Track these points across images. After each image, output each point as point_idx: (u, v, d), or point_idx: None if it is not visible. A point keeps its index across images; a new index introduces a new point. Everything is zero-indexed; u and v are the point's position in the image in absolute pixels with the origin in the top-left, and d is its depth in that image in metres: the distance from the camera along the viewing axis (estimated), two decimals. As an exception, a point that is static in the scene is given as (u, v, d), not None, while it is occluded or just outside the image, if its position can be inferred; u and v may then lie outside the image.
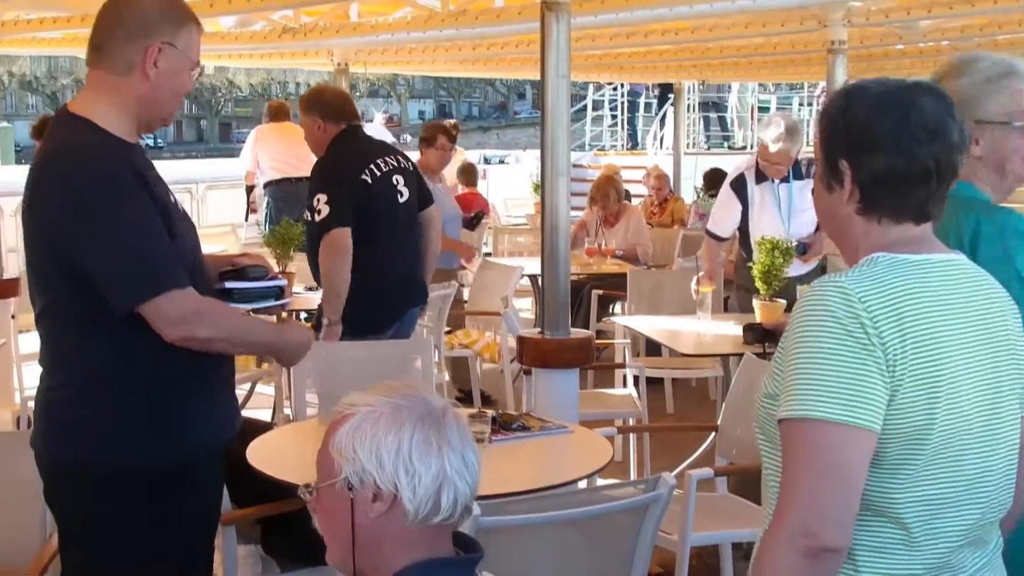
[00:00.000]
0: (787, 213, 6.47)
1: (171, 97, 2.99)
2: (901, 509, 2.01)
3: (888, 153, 2.06)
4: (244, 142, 11.67)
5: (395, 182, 5.54)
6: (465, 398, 7.65)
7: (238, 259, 3.36)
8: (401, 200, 5.55)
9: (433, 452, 1.98)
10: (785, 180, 6.49)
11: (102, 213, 2.79)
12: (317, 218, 5.34)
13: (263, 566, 4.16)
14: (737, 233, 6.79)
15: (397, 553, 2.01)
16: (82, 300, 2.84)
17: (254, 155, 10.84)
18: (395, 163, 5.59)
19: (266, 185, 10.77)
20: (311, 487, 2.07)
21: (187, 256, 2.98)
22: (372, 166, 5.47)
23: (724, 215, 6.76)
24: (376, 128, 14.91)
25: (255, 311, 3.27)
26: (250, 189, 11.22)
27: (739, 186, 6.60)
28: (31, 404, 6.37)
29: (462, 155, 14.64)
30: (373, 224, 5.40)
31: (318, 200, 5.35)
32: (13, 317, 7.57)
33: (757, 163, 6.55)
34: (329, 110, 5.57)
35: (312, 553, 4.08)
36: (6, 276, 7.71)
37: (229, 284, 3.20)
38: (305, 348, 3.26)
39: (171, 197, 3.04)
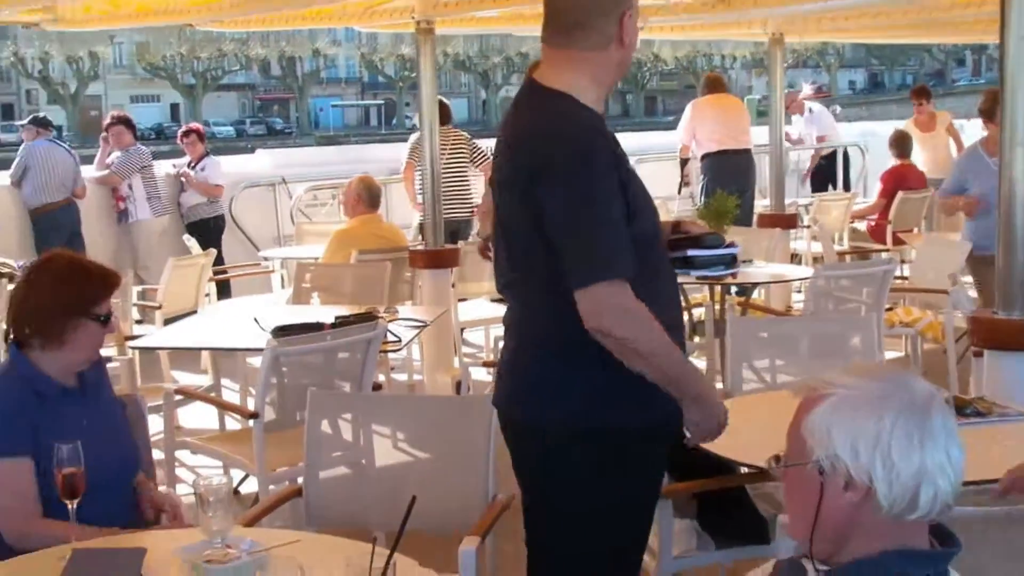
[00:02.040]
0: None
1: (632, 54, 3.05)
2: None
3: None
4: (669, 116, 11.67)
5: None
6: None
7: (687, 225, 3.32)
8: None
9: (915, 446, 1.85)
10: None
11: (578, 189, 2.83)
12: None
13: (698, 541, 4.09)
14: None
15: (864, 542, 1.91)
16: (556, 269, 2.87)
17: (691, 128, 10.74)
18: None
19: (703, 157, 10.70)
20: (780, 462, 1.99)
21: (648, 234, 2.98)
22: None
23: None
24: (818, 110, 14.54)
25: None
26: (684, 162, 11.18)
27: None
28: (472, 370, 6.67)
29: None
30: None
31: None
32: (453, 286, 7.89)
33: None
34: None
35: (750, 531, 4.02)
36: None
37: (692, 252, 3.16)
38: (715, 425, 3.04)
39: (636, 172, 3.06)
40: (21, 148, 10.37)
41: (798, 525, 1.98)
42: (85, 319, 3.37)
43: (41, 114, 11.79)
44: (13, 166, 10.21)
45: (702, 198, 10.27)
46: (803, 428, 1.93)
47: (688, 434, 3.05)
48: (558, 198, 2.84)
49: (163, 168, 10.99)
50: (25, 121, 10.91)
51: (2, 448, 3.23)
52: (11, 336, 3.43)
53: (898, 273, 8.24)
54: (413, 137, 9.67)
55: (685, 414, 2.99)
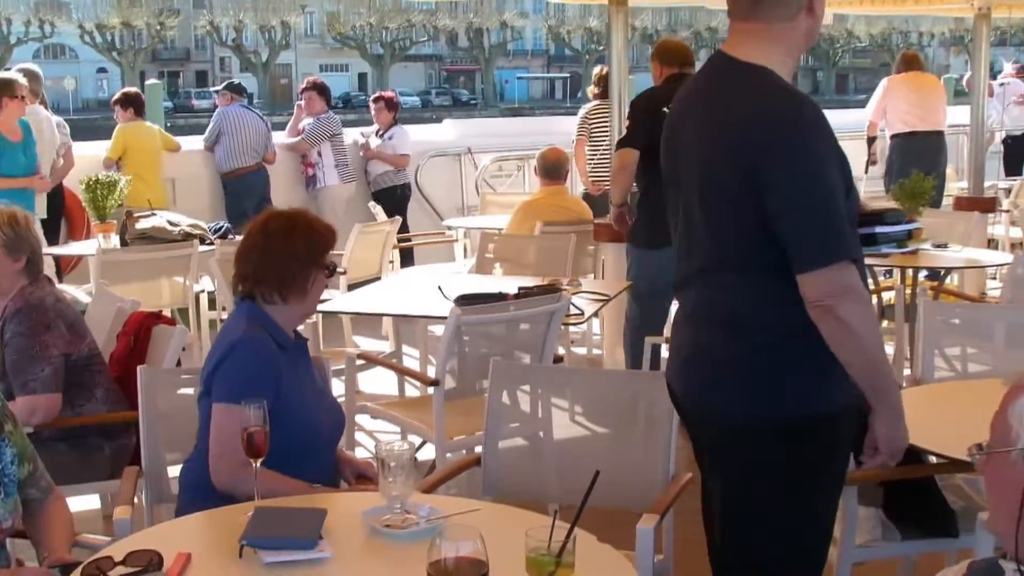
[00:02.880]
0: None
1: (820, 24, 2.98)
2: None
3: None
4: (861, 94, 11.39)
5: None
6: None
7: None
8: None
9: None
10: None
11: (810, 169, 2.76)
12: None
13: (883, 531, 3.96)
14: None
15: None
16: (775, 251, 2.79)
17: (881, 106, 10.45)
18: None
19: (893, 137, 10.40)
20: (983, 449, 1.90)
21: (855, 212, 2.89)
22: None
23: None
24: (1012, 83, 13.95)
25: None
26: (871, 140, 10.88)
27: None
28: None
29: None
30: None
31: (625, 123, 6.49)
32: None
33: None
34: (666, 56, 6.66)
35: (938, 523, 3.88)
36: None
37: (879, 229, 3.06)
38: (901, 445, 2.96)
39: None
40: (215, 113, 10.60)
41: (999, 518, 1.90)
42: (318, 269, 3.52)
43: (235, 80, 12.03)
44: (207, 131, 10.46)
45: (886, 178, 10.00)
46: (1010, 415, 1.86)
47: (867, 457, 2.96)
48: (791, 179, 2.76)
49: (351, 136, 11.14)
50: (219, 87, 11.16)
51: (231, 395, 3.27)
52: (243, 292, 3.53)
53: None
54: (582, 111, 9.62)
55: (876, 426, 2.90)
